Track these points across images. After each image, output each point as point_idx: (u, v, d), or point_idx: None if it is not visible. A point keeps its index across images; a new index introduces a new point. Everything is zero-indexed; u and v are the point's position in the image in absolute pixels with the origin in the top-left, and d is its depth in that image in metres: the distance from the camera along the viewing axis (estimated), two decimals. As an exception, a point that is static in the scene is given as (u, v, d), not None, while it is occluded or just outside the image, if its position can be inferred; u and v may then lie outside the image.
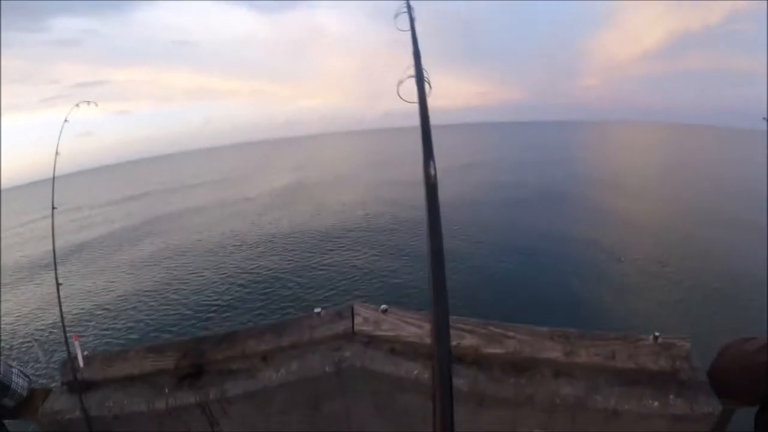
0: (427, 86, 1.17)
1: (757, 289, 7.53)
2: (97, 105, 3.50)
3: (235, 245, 12.32)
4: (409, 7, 1.29)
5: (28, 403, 2.30)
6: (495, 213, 13.81)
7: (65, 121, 3.24)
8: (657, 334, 2.47)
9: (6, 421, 2.31)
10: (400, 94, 1.16)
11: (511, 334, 2.23)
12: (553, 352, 2.20)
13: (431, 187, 0.93)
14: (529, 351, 2.19)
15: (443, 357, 0.68)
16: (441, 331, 0.70)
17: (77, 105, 3.33)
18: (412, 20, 1.26)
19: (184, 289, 9.24)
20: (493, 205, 14.83)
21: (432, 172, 0.95)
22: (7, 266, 17.01)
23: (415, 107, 1.11)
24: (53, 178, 3.01)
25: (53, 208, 2.96)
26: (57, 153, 3.08)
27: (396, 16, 1.28)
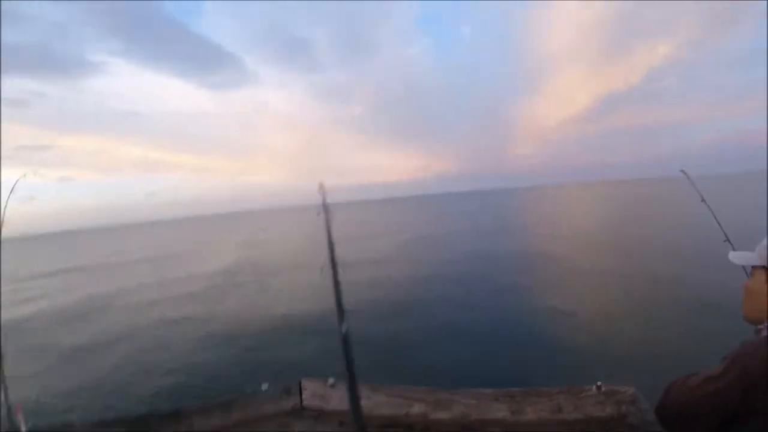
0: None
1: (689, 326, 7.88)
2: (35, 173, 3.38)
3: (177, 321, 11.54)
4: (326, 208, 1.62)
5: None
6: (444, 283, 13.98)
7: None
8: (599, 383, 2.58)
9: None
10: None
11: (457, 398, 2.30)
12: (500, 412, 2.27)
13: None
14: (477, 414, 2.25)
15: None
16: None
17: (24, 175, 3.11)
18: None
19: (132, 362, 8.50)
20: (444, 277, 15.04)
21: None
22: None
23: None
24: None
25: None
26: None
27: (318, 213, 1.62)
